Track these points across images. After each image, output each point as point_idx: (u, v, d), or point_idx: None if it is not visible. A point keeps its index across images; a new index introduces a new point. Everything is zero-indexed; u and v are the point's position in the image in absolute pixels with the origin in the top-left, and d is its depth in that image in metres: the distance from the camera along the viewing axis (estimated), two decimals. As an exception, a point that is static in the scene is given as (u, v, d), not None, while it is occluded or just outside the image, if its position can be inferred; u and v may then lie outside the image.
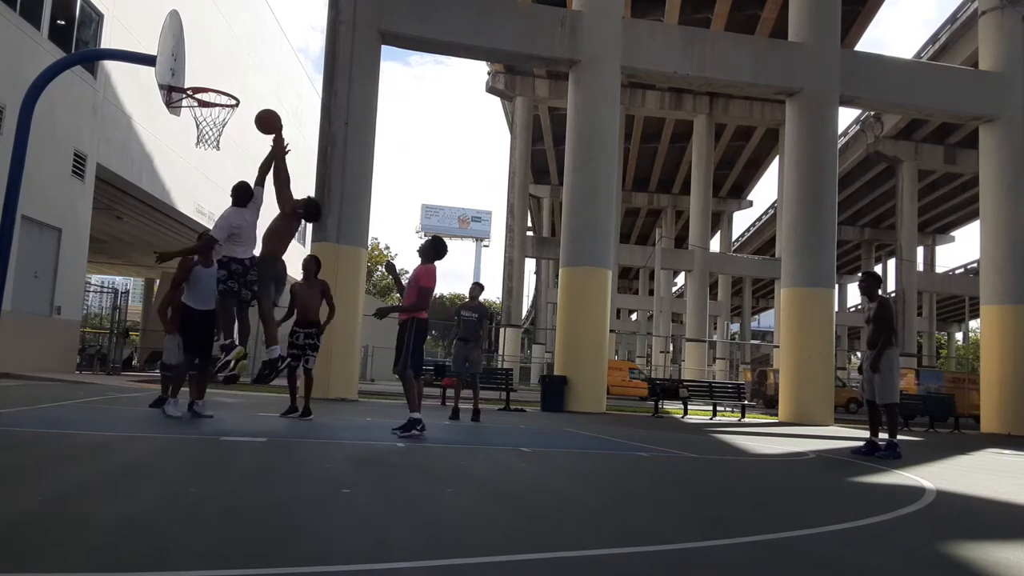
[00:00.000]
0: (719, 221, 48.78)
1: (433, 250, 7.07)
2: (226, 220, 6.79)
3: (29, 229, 15.10)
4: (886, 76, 17.44)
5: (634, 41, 16.21)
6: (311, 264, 8.41)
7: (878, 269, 56.72)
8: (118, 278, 41.85)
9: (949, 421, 17.41)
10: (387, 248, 69.42)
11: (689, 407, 16.94)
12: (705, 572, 2.61)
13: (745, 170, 46.63)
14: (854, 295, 61.97)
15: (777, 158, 37.87)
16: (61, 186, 16.50)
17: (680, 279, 56.95)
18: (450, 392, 12.60)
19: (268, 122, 6.95)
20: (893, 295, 37.23)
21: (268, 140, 7.08)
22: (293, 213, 7.10)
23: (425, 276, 6.94)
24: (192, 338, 7.09)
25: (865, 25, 29.01)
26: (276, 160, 7.04)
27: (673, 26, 24.19)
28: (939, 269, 51.52)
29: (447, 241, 7.41)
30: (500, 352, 34.55)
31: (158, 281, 33.63)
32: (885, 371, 7.68)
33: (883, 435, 7.87)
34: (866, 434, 8.23)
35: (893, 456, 7.52)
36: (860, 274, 8.46)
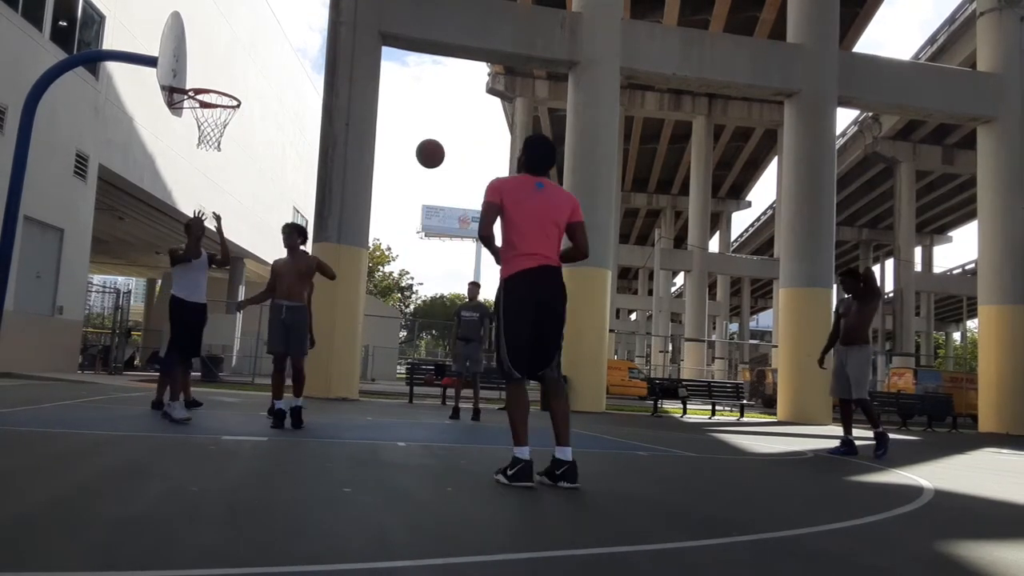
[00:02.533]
0: (718, 221, 48.78)
1: (523, 153, 4.57)
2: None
3: (31, 229, 15.13)
4: (884, 77, 17.49)
5: (633, 42, 16.24)
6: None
7: (876, 269, 56.70)
8: (120, 278, 41.87)
9: (947, 421, 17.46)
10: (388, 249, 69.05)
11: (688, 406, 16.96)
12: (705, 572, 2.62)
13: (744, 171, 46.63)
14: (853, 295, 61.80)
15: (776, 159, 37.87)
16: (63, 187, 16.51)
17: (679, 279, 56.94)
18: (450, 391, 12.65)
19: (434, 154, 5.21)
20: (892, 295, 37.28)
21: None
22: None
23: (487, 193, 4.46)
24: (183, 331, 7.07)
25: (863, 26, 29.00)
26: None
27: (672, 27, 24.18)
28: (937, 269, 51.52)
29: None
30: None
31: (160, 281, 33.66)
32: (862, 365, 7.66)
33: (861, 432, 7.85)
34: (864, 432, 8.25)
35: (881, 448, 7.50)
36: (839, 276, 8.33)
